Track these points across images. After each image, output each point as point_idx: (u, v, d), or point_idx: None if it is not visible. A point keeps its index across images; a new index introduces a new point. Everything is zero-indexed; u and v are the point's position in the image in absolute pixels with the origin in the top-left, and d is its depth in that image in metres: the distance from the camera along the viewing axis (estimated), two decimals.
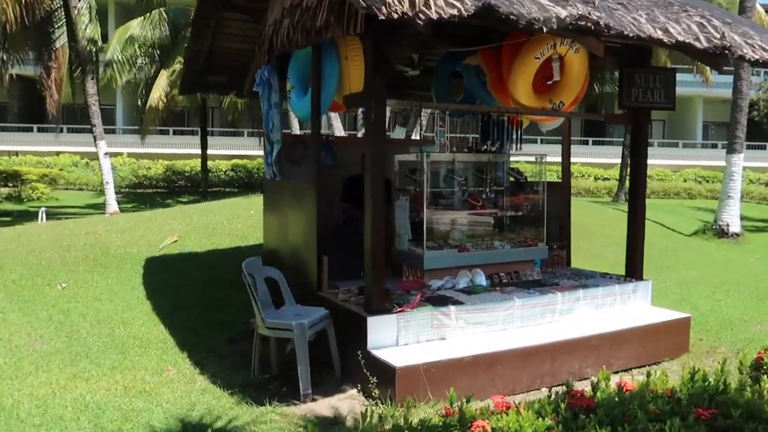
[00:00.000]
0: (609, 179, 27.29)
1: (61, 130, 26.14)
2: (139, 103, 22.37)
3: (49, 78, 14.03)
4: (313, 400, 4.49)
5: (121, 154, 28.77)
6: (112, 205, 14.85)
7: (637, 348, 5.29)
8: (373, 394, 4.41)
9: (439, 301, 5.01)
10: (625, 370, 5.16)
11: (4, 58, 14.19)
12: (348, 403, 4.42)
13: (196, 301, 6.88)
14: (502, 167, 6.28)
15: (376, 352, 4.47)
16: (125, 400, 4.26)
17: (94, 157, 27.96)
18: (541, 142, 28.08)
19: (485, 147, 5.89)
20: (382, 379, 4.34)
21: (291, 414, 4.19)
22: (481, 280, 5.70)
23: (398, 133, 18.67)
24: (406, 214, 5.71)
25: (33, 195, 22.53)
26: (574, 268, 6.81)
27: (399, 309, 4.64)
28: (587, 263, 7.70)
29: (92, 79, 14.17)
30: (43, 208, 14.97)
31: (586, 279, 6.06)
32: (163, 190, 26.82)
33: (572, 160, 7.18)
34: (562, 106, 5.96)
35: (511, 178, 6.33)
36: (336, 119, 14.37)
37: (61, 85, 14.59)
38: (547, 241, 6.49)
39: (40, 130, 30.13)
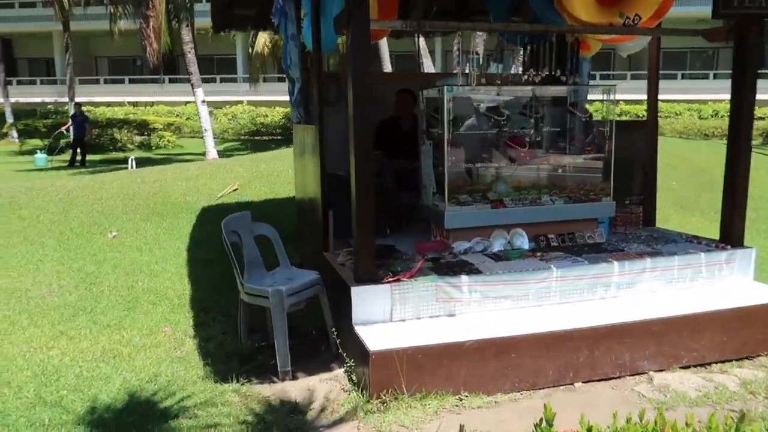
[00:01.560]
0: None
1: (163, 81, 27.31)
2: (249, 51, 22.66)
3: (147, 27, 14.36)
4: (294, 377, 3.91)
5: (241, 102, 29.76)
6: (212, 152, 15.18)
7: (721, 336, 4.05)
8: (353, 379, 3.74)
9: (456, 268, 4.13)
10: (702, 365, 4.01)
11: (112, 11, 14.71)
12: (328, 385, 3.78)
13: None
14: (563, 103, 5.08)
15: (359, 329, 3.75)
16: (92, 365, 3.97)
17: (219, 105, 29.31)
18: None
19: (527, 77, 4.73)
20: (360, 362, 3.64)
21: (256, 395, 3.65)
22: (522, 242, 4.70)
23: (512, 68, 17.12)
24: (430, 162, 4.80)
25: (160, 143, 23.98)
26: (656, 229, 5.49)
27: (391, 278, 3.85)
28: (703, 224, 6.24)
29: (187, 26, 14.29)
30: (132, 157, 15.64)
31: (665, 244, 4.79)
32: (279, 137, 27.40)
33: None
34: (638, 21, 4.58)
35: (581, 117, 5.09)
36: (427, 57, 13.27)
37: (160, 35, 14.91)
38: (622, 194, 5.25)
39: (171, 81, 31.94)
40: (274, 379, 3.89)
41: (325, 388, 3.75)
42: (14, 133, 24.68)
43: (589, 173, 5.07)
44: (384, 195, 5.28)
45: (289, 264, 4.47)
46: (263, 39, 20.36)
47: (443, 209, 4.58)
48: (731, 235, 4.67)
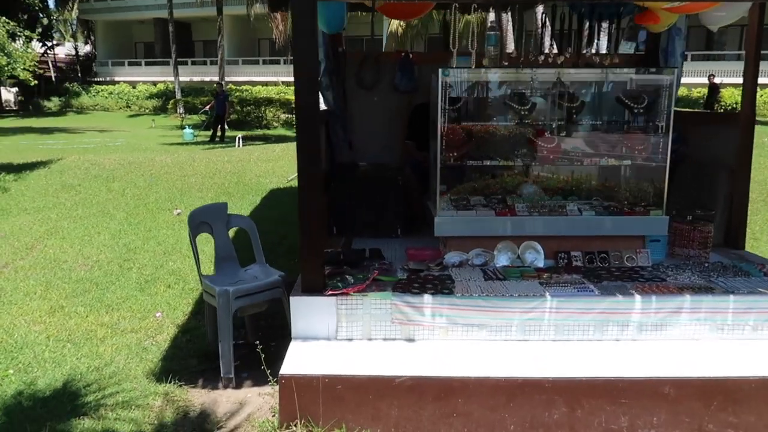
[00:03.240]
0: None
1: (286, 62, 27.96)
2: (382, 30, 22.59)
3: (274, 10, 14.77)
4: (238, 386, 3.60)
5: None
6: None
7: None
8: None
9: (429, 284, 3.50)
10: None
11: None
12: (262, 401, 3.41)
13: (277, 240, 6.41)
14: (607, 90, 4.09)
15: (293, 345, 3.31)
16: (59, 346, 4.00)
17: None
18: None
19: (553, 55, 3.83)
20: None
21: (183, 401, 3.39)
22: (535, 258, 3.89)
23: (624, 49, 15.15)
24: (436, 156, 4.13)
25: (272, 122, 24.81)
26: (740, 254, 4.26)
27: (333, 291, 3.33)
28: None
29: None
30: (240, 135, 16.18)
31: (733, 276, 3.67)
32: None
33: None
34: None
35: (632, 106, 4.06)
36: (547, 35, 12.00)
37: (287, 17, 15.28)
38: (693, 207, 4.16)
39: (285, 62, 32.74)
40: (219, 385, 3.61)
41: (256, 404, 3.38)
42: (181, 109, 27.32)
43: (638, 179, 4.04)
44: (400, 191, 4.73)
45: (264, 261, 4.14)
46: (397, 21, 20.08)
47: (434, 214, 3.93)
48: None
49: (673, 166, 4.89)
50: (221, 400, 3.45)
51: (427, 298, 3.33)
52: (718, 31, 24.56)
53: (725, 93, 22.36)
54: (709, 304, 3.33)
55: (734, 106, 21.73)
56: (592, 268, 3.81)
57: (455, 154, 3.93)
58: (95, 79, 38.24)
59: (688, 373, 3.01)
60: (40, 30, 36.41)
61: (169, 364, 3.83)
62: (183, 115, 26.18)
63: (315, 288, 3.36)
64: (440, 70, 3.74)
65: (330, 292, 3.32)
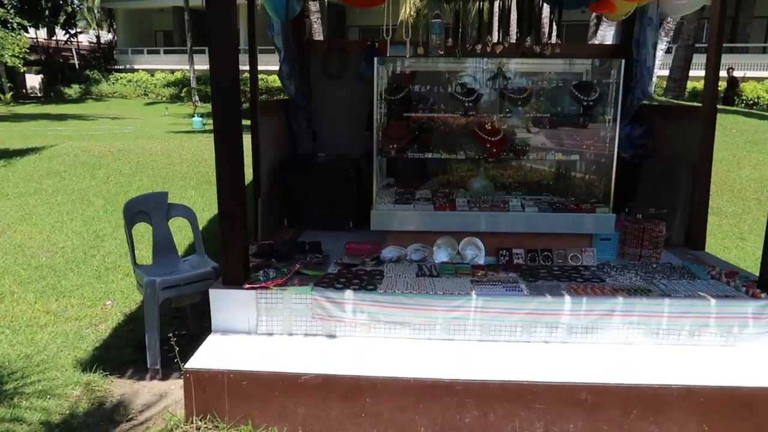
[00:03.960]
0: None
1: None
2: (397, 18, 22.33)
3: None
4: (165, 377, 3.56)
5: None
6: None
7: (700, 425, 2.82)
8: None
9: (357, 279, 3.40)
10: None
11: None
12: (180, 393, 3.34)
13: None
14: (562, 81, 3.92)
15: (211, 338, 3.25)
16: None
17: None
18: None
19: (491, 44, 3.67)
20: None
21: (103, 391, 3.36)
22: (476, 255, 3.77)
23: None
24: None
25: None
26: (697, 255, 4.07)
27: (252, 284, 3.25)
28: None
29: None
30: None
31: (679, 278, 3.50)
32: None
33: None
34: None
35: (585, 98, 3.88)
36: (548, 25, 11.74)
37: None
38: (651, 204, 3.99)
39: None
40: (147, 376, 3.58)
41: (176, 396, 3.33)
42: (195, 97, 27.47)
43: (587, 175, 3.88)
44: (353, 183, 4.63)
45: (204, 252, 4.08)
46: (407, 8, 19.88)
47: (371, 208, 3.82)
48: None
49: (640, 161, 4.72)
50: (143, 391, 3.41)
51: (348, 293, 3.23)
52: (741, 23, 23.83)
53: (746, 87, 21.68)
54: (642, 308, 3.18)
55: (756, 100, 21.06)
56: (533, 267, 3.67)
57: (395, 146, 3.81)
58: (115, 67, 38.67)
59: (609, 379, 2.87)
60: (64, 17, 36.93)
61: (103, 353, 3.81)
62: (197, 103, 26.34)
63: (235, 281, 3.29)
64: (376, 59, 3.62)
65: (248, 285, 3.25)
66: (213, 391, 2.92)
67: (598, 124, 3.79)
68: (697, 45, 21.96)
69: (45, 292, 4.72)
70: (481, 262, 3.76)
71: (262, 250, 3.70)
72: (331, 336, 3.27)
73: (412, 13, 20.47)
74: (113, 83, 36.19)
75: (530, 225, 3.75)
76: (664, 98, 16.77)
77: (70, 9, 37.32)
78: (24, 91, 36.07)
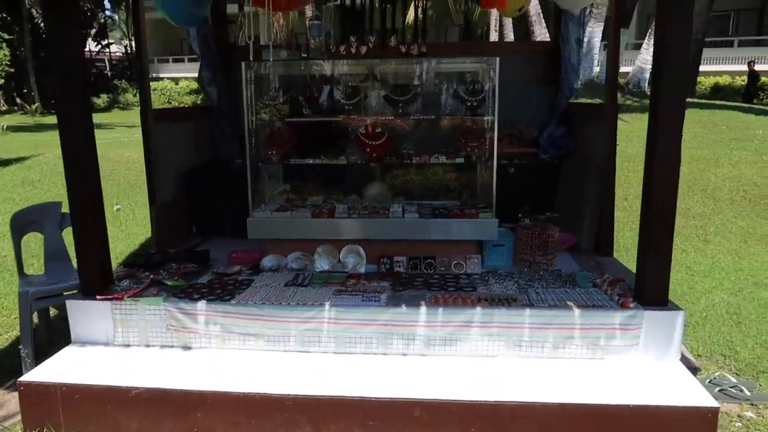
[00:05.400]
0: None
1: None
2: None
3: None
4: None
5: None
6: None
7: None
8: None
9: (221, 290, 3.33)
10: None
11: None
12: None
13: None
14: (448, 82, 3.76)
15: (68, 349, 3.23)
16: None
17: None
18: None
19: (355, 45, 3.54)
20: None
21: None
22: (356, 263, 3.66)
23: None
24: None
25: None
26: (602, 260, 3.84)
27: (105, 295, 3.21)
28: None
29: None
30: None
31: (560, 287, 3.31)
32: None
33: None
34: None
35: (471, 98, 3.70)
36: (539, 23, 11.44)
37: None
38: (557, 210, 3.82)
39: None
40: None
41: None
42: None
43: (472, 179, 3.73)
44: None
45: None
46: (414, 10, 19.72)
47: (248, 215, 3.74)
48: (645, 287, 3.03)
49: (560, 163, 4.53)
50: (11, 402, 3.41)
51: (200, 304, 3.16)
52: None
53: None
54: (501, 318, 3.01)
55: None
56: (413, 275, 3.53)
57: (275, 152, 3.72)
58: None
59: (448, 395, 2.72)
60: (96, 29, 38.07)
61: None
62: None
63: (91, 291, 3.26)
64: (243, 63, 3.55)
65: (100, 296, 3.21)
66: (47, 405, 2.89)
67: (484, 125, 3.62)
68: (707, 39, 21.16)
69: None
70: (362, 270, 3.64)
71: (136, 260, 3.67)
72: (187, 348, 3.21)
73: (419, 15, 20.28)
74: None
75: (411, 232, 3.62)
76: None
77: (102, 21, 38.46)
78: (54, 101, 37.41)
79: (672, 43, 2.76)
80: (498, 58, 3.41)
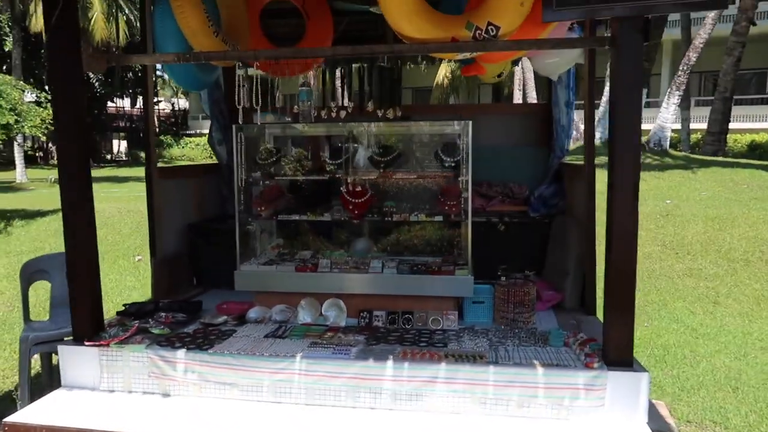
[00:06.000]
0: None
1: None
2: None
3: None
4: None
5: None
6: None
7: None
8: None
9: (203, 339, 3.48)
10: None
11: None
12: None
13: None
14: (428, 143, 3.94)
15: (56, 393, 3.40)
16: None
17: None
18: None
19: (336, 109, 3.77)
20: None
21: None
22: (336, 316, 3.77)
23: None
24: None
25: None
26: (582, 319, 3.84)
27: (92, 341, 3.40)
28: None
29: None
30: None
31: (532, 345, 3.34)
32: None
33: None
34: (496, 33, 3.31)
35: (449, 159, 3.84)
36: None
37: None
38: (555, 267, 3.88)
39: None
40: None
41: None
42: None
43: (450, 236, 3.84)
44: None
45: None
46: (443, 71, 20.34)
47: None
48: (610, 347, 3.04)
49: (550, 221, 4.61)
50: None
51: (180, 353, 3.31)
52: None
53: None
54: (466, 375, 3.05)
55: None
56: (390, 329, 3.62)
57: (263, 208, 3.93)
58: (186, 132, 41.53)
59: None
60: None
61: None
62: None
63: (81, 337, 3.45)
64: (234, 126, 3.81)
65: (88, 342, 3.40)
66: None
67: (461, 185, 3.76)
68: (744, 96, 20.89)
69: None
70: (343, 324, 3.74)
71: (129, 308, 3.87)
72: (166, 395, 3.34)
73: (447, 74, 20.95)
74: (183, 147, 38.79)
75: (389, 287, 3.72)
76: (683, 153, 16.06)
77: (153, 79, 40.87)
78: (110, 156, 39.55)
79: (621, 105, 2.88)
80: (470, 121, 3.58)
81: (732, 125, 24.49)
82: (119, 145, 42.62)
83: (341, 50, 3.58)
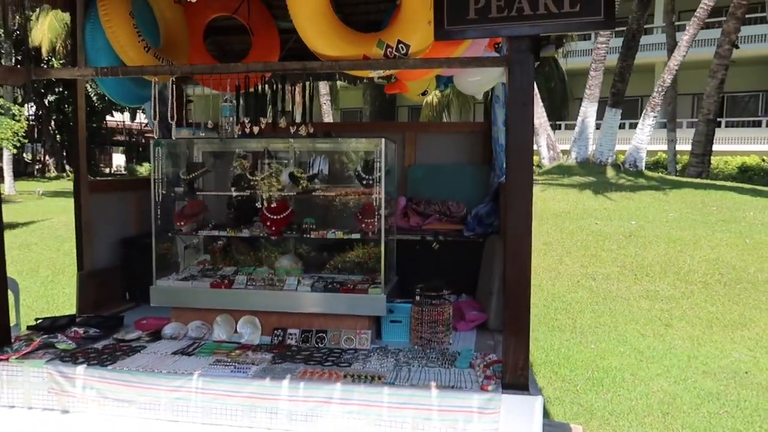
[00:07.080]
0: None
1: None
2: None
3: None
4: None
5: None
6: None
7: None
8: None
9: (106, 355, 3.44)
10: None
11: None
12: None
13: None
14: (348, 159, 3.92)
15: None
16: None
17: None
18: None
19: (249, 125, 3.75)
20: None
21: None
22: (250, 334, 3.73)
23: (610, 119, 14.42)
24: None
25: None
26: (498, 340, 3.79)
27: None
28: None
29: None
30: None
31: (441, 365, 3.29)
32: None
33: None
34: (406, 51, 3.31)
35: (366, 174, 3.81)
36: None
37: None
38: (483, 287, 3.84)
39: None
40: None
41: None
42: None
43: (367, 254, 3.80)
44: None
45: (20, 324, 4.26)
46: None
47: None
48: (506, 369, 2.98)
49: (483, 240, 4.58)
50: None
51: (79, 369, 3.26)
52: None
53: None
54: (360, 396, 3.00)
55: None
56: (301, 348, 3.57)
57: (183, 223, 3.91)
58: None
59: None
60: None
61: None
62: None
63: None
64: (152, 141, 3.81)
65: None
66: None
67: (379, 203, 3.73)
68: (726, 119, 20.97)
69: None
70: (257, 341, 3.70)
71: (42, 322, 3.83)
72: (65, 411, 3.29)
73: (437, 93, 21.05)
74: None
75: (302, 305, 3.68)
76: (659, 174, 16.10)
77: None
78: (109, 170, 39.75)
79: (514, 123, 2.86)
80: (383, 139, 3.56)
81: (723, 147, 24.54)
82: (118, 159, 42.83)
83: (254, 66, 3.58)
